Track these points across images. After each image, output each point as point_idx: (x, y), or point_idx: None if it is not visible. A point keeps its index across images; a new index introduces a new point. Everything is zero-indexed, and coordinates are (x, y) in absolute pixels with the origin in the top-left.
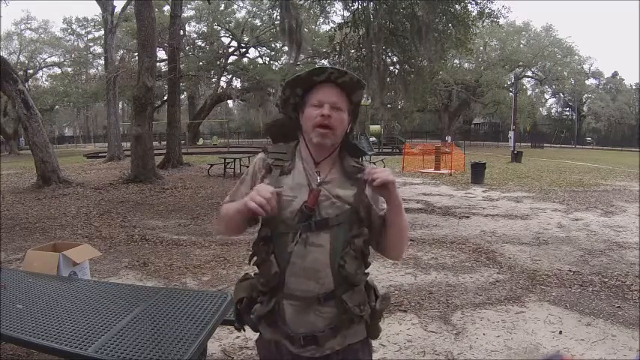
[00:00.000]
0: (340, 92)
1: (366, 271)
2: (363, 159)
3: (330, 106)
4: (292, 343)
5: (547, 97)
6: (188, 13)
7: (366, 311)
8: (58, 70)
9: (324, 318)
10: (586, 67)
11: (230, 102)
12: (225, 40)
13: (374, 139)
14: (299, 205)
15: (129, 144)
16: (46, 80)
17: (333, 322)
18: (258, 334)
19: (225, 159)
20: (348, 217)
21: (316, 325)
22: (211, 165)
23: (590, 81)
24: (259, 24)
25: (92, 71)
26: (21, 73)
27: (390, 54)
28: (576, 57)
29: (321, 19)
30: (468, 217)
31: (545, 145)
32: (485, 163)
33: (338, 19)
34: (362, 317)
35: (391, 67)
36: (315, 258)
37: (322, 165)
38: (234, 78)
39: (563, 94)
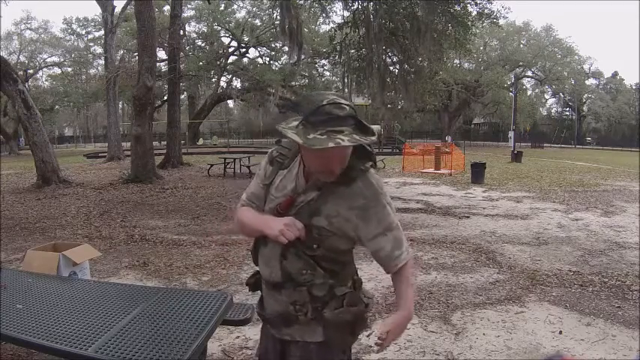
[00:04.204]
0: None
1: (331, 282)
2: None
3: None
4: (264, 321)
5: (547, 97)
6: (188, 13)
7: (303, 313)
8: (58, 70)
9: (278, 303)
10: (586, 67)
11: (230, 102)
12: (225, 40)
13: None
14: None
15: (129, 144)
16: (46, 80)
17: (284, 311)
18: (257, 334)
19: (225, 159)
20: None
21: (273, 308)
22: (211, 165)
23: (590, 81)
24: (259, 24)
25: (92, 71)
26: (21, 73)
27: (390, 54)
28: (576, 57)
29: (321, 19)
30: (467, 217)
31: (545, 145)
32: (485, 163)
33: (338, 19)
34: (298, 317)
35: (391, 67)
36: (271, 247)
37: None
38: (234, 78)
39: (563, 94)
